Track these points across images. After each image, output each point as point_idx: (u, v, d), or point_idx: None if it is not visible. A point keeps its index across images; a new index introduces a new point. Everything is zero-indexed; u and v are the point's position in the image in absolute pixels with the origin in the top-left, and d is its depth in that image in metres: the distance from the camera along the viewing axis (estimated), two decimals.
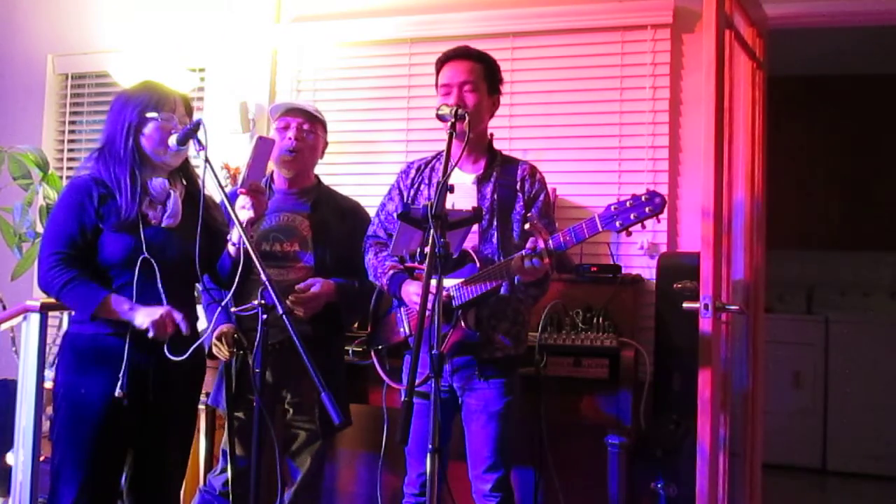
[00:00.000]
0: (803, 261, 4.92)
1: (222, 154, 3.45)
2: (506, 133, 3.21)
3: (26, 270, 3.36)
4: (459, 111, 2.08)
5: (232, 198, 2.25)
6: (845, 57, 4.41)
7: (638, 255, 3.10)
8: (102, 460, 2.08)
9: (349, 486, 3.11)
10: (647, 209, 1.88)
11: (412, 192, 2.32)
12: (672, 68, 3.13)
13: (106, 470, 2.10)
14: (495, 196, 2.23)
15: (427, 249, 1.72)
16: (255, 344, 1.91)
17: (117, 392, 2.02)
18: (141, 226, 2.08)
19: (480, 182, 2.25)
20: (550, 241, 1.96)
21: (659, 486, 2.62)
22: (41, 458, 2.57)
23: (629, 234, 1.91)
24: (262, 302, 1.89)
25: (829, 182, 4.81)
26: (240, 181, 2.17)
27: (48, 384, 2.47)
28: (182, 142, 2.07)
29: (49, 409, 2.33)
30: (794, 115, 4.52)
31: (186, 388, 2.27)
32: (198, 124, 2.03)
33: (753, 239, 2.73)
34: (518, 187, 2.25)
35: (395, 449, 2.21)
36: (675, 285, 2.67)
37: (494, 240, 2.19)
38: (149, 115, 2.12)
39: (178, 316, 2.04)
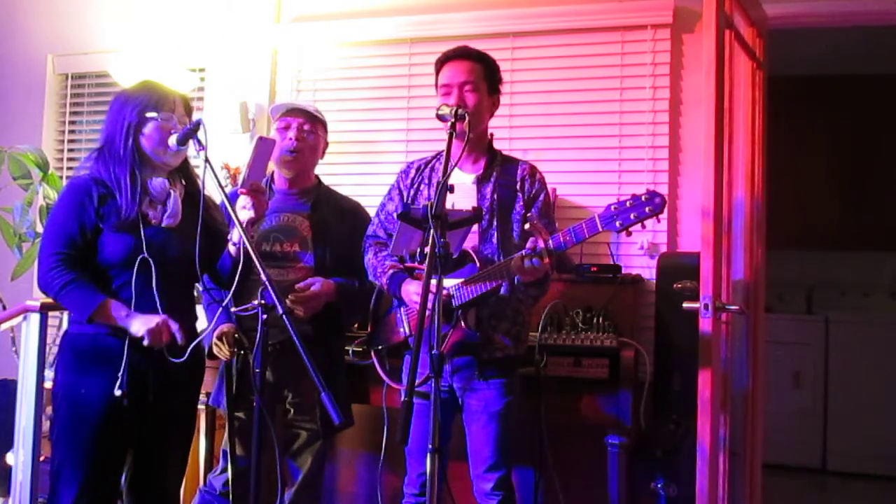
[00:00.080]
0: (803, 261, 4.92)
1: (222, 154, 3.45)
2: (506, 133, 3.21)
3: (26, 270, 3.36)
4: (459, 111, 2.08)
5: (232, 198, 2.25)
6: (845, 57, 4.41)
7: (638, 255, 3.10)
8: (102, 460, 2.08)
9: (349, 486, 3.11)
10: (647, 209, 1.88)
11: (412, 192, 2.32)
12: (672, 68, 3.13)
13: (106, 470, 2.10)
14: (495, 196, 2.23)
15: (427, 249, 1.72)
16: (256, 344, 1.91)
17: (117, 392, 2.02)
18: (141, 225, 2.08)
19: (480, 182, 2.25)
20: (550, 241, 1.96)
21: (659, 486, 2.62)
22: (41, 458, 2.57)
23: (629, 234, 1.91)
24: (262, 302, 1.89)
25: (829, 182, 4.81)
26: (240, 181, 2.17)
27: (48, 384, 2.47)
28: (182, 142, 2.08)
29: (49, 410, 2.33)
30: (794, 115, 4.51)
31: (186, 388, 2.27)
32: (198, 124, 2.03)
33: (753, 239, 2.73)
34: (518, 187, 2.25)
35: (395, 449, 2.21)
36: (675, 285, 2.67)
37: (494, 240, 2.19)
38: (148, 114, 2.12)
39: (174, 325, 2.04)
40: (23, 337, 2.64)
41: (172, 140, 2.08)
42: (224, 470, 2.46)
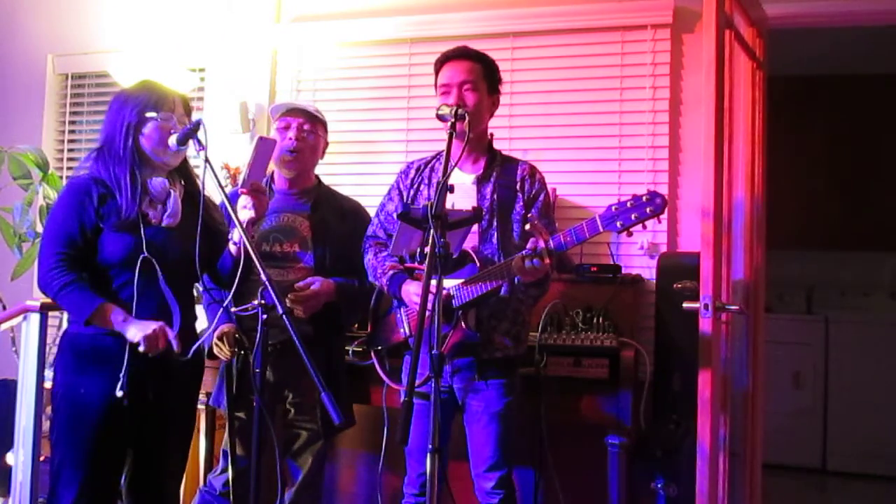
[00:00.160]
0: (803, 261, 4.92)
1: (222, 154, 3.45)
2: (506, 133, 3.21)
3: (26, 270, 3.36)
4: (459, 111, 2.08)
5: (232, 198, 2.25)
6: (845, 57, 4.41)
7: (638, 255, 3.10)
8: (102, 460, 2.07)
9: (349, 486, 3.11)
10: (647, 209, 1.88)
11: (412, 193, 2.32)
12: (672, 68, 3.13)
13: (106, 470, 2.10)
14: (495, 196, 2.23)
15: (427, 249, 1.72)
16: (256, 344, 1.91)
17: (118, 392, 2.02)
18: (141, 225, 2.08)
19: (480, 182, 2.25)
20: (551, 242, 1.96)
21: (659, 486, 2.62)
22: (41, 458, 2.57)
23: (630, 234, 1.91)
24: (262, 302, 1.89)
25: (829, 182, 4.81)
26: (240, 181, 2.17)
27: (48, 384, 2.47)
28: (182, 142, 2.08)
29: (49, 410, 2.33)
30: (794, 115, 4.51)
31: (186, 388, 2.27)
32: (198, 124, 2.03)
33: (753, 239, 2.73)
34: (518, 187, 2.25)
35: (395, 449, 2.21)
36: (675, 285, 2.67)
37: (494, 240, 2.19)
38: (148, 114, 2.12)
39: (171, 333, 2.03)
40: (23, 337, 2.64)
41: (172, 140, 2.08)
42: (224, 470, 2.46)
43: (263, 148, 2.11)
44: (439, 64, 2.27)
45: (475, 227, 2.13)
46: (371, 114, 3.50)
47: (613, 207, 1.91)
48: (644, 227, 1.91)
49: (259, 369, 1.93)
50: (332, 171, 3.32)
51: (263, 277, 1.82)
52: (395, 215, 2.21)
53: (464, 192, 2.19)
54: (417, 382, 1.67)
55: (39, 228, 3.28)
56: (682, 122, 3.14)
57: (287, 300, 2.31)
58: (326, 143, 2.67)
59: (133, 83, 2.28)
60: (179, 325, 2.09)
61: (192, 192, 2.24)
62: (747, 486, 2.71)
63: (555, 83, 3.26)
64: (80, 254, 2.07)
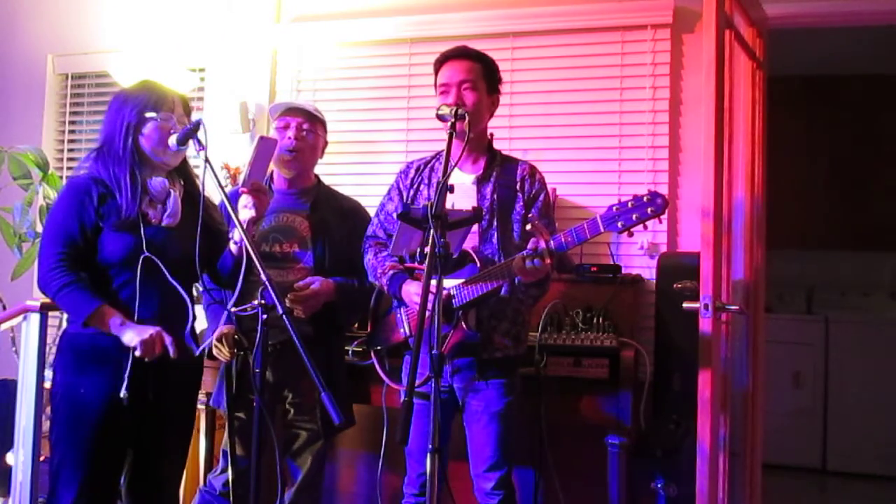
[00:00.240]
0: (803, 261, 4.92)
1: (222, 154, 3.45)
2: (506, 133, 3.21)
3: (26, 270, 3.36)
4: (459, 111, 2.08)
5: (232, 197, 2.25)
6: (845, 57, 4.41)
7: (638, 255, 3.10)
8: (102, 460, 2.07)
9: (349, 486, 3.11)
10: (648, 210, 1.87)
11: (412, 193, 2.32)
12: (672, 68, 3.13)
13: (105, 470, 2.10)
14: (495, 196, 2.23)
15: (427, 249, 1.72)
16: (255, 344, 1.91)
17: (122, 393, 2.02)
18: (141, 225, 2.08)
19: (480, 182, 2.25)
20: (552, 242, 1.95)
21: (659, 486, 2.62)
22: (41, 458, 2.57)
23: (631, 234, 1.91)
24: (262, 302, 1.89)
25: (829, 182, 4.81)
26: (241, 180, 2.17)
27: (48, 384, 2.47)
28: (182, 142, 2.08)
29: (49, 410, 2.33)
30: (794, 115, 4.52)
31: (185, 388, 2.27)
32: (198, 124, 2.03)
33: (753, 239, 2.73)
34: (518, 187, 2.24)
35: (395, 449, 2.21)
36: (675, 285, 2.67)
37: (494, 240, 2.19)
38: (147, 114, 2.12)
39: (168, 338, 2.03)
40: (23, 337, 2.64)
41: (172, 140, 2.08)
42: (224, 470, 2.46)
43: (264, 147, 2.11)
44: (439, 64, 2.27)
45: (475, 227, 2.13)
46: (371, 114, 3.50)
47: (614, 207, 1.91)
48: (645, 227, 1.91)
49: (259, 369, 1.93)
50: (332, 171, 3.32)
51: (263, 277, 1.82)
52: (395, 215, 2.21)
53: (464, 192, 2.19)
54: (417, 382, 1.67)
55: (39, 228, 3.28)
56: (682, 122, 3.14)
57: (286, 300, 2.31)
58: (326, 143, 2.66)
59: (133, 83, 2.28)
60: (191, 321, 2.10)
61: (192, 192, 2.24)
62: (747, 486, 2.71)
63: (555, 83, 3.26)
64: (80, 253, 2.07)
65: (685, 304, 2.24)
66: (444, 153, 2.01)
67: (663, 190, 2.97)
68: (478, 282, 2.07)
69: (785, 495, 3.98)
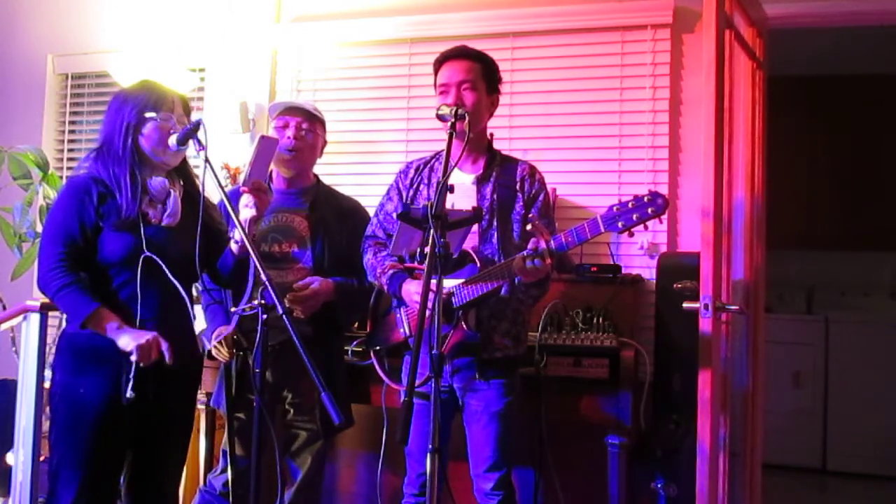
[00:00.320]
0: (803, 261, 4.92)
1: (222, 154, 3.45)
2: (506, 133, 3.21)
3: (26, 270, 3.36)
4: (459, 111, 2.07)
5: (232, 196, 2.25)
6: (845, 57, 4.41)
7: (638, 255, 3.11)
8: (101, 460, 2.07)
9: (349, 486, 3.11)
10: (649, 210, 1.87)
11: (411, 193, 2.32)
12: (672, 68, 3.13)
13: (105, 470, 2.09)
14: (495, 196, 2.23)
15: (427, 249, 1.72)
16: (256, 344, 1.91)
17: (129, 394, 2.01)
18: (141, 225, 2.08)
19: (480, 182, 2.25)
20: (552, 242, 1.95)
21: (659, 486, 2.62)
22: (41, 458, 2.57)
23: (631, 234, 1.91)
24: (262, 302, 1.89)
25: (829, 182, 4.81)
26: (241, 180, 2.17)
27: (48, 384, 2.47)
28: (182, 142, 2.07)
29: (49, 410, 2.33)
30: (794, 115, 4.51)
31: (184, 388, 2.26)
32: (198, 124, 2.03)
33: (753, 239, 2.73)
34: (518, 187, 2.24)
35: (395, 449, 2.21)
36: (675, 285, 2.67)
37: (494, 240, 2.19)
38: (147, 114, 2.12)
39: (164, 344, 2.03)
40: (23, 337, 2.64)
41: (172, 140, 2.08)
42: (224, 470, 2.46)
43: (265, 146, 2.12)
44: (438, 63, 2.27)
45: (475, 227, 2.13)
46: (371, 114, 3.50)
47: (615, 208, 1.91)
48: (645, 227, 1.91)
49: (259, 369, 1.93)
50: (332, 171, 3.32)
51: (263, 277, 1.82)
52: (394, 215, 2.21)
53: (463, 192, 2.19)
54: (417, 382, 1.67)
55: (39, 228, 3.28)
56: (682, 122, 3.14)
57: (285, 300, 2.31)
58: (325, 142, 2.66)
59: (132, 83, 2.28)
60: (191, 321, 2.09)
61: (192, 192, 2.24)
62: (747, 486, 2.71)
63: (555, 83, 3.26)
64: (80, 253, 2.06)
65: (685, 304, 2.25)
66: (444, 153, 2.01)
67: (663, 190, 2.97)
68: (478, 282, 2.07)
69: (785, 495, 3.98)
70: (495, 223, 2.20)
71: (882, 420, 4.27)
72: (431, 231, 1.72)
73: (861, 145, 4.75)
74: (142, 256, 2.05)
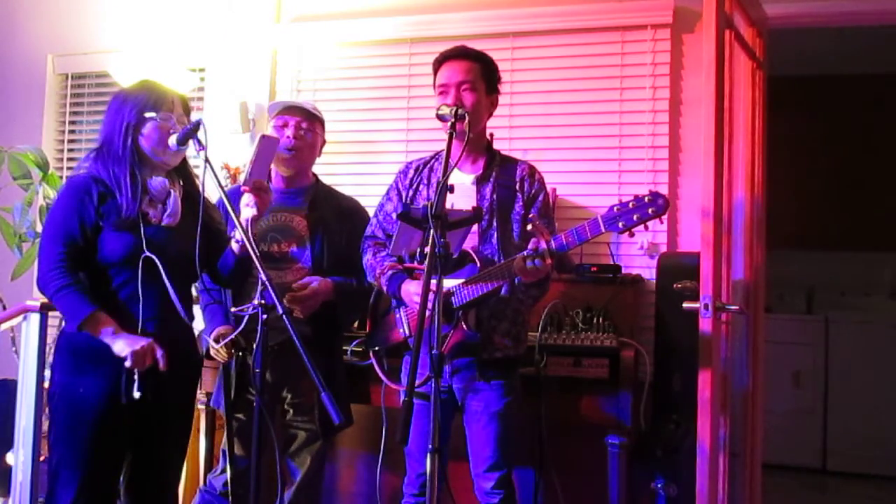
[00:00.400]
0: (803, 261, 4.92)
1: (222, 154, 3.45)
2: (506, 133, 3.21)
3: (26, 270, 3.36)
4: (459, 111, 2.07)
5: (232, 195, 2.25)
6: (845, 57, 4.41)
7: (638, 255, 3.11)
8: (101, 461, 2.07)
9: (349, 486, 3.11)
10: (650, 210, 1.87)
11: (411, 193, 2.32)
12: (672, 68, 3.13)
13: (104, 470, 2.09)
14: (495, 196, 2.22)
15: (427, 249, 1.72)
16: (256, 344, 1.91)
17: (136, 394, 2.01)
18: (141, 224, 2.08)
19: (479, 182, 2.25)
20: (552, 242, 1.95)
21: (659, 486, 2.62)
22: (41, 458, 2.57)
23: (632, 234, 1.91)
24: (262, 302, 1.89)
25: (829, 182, 4.81)
26: (242, 179, 2.17)
27: (47, 384, 2.47)
28: (182, 142, 2.07)
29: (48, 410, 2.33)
30: (793, 116, 4.51)
31: (183, 388, 2.26)
32: (198, 124, 2.03)
33: (753, 239, 2.73)
34: (517, 187, 2.24)
35: (396, 449, 2.21)
36: (675, 285, 2.67)
37: (494, 240, 2.19)
38: (147, 114, 2.12)
39: (159, 351, 2.03)
40: (23, 337, 2.64)
41: (173, 140, 2.08)
42: (224, 470, 2.46)
43: (266, 146, 2.12)
44: (437, 64, 2.26)
45: (475, 227, 2.13)
46: (371, 114, 3.50)
47: (615, 208, 1.91)
48: (645, 227, 1.91)
49: (259, 369, 1.93)
50: (332, 171, 3.32)
51: (263, 277, 1.82)
52: (394, 215, 2.21)
53: (463, 192, 2.19)
54: (417, 382, 1.67)
55: (39, 228, 3.28)
56: (682, 122, 3.14)
57: (284, 300, 2.30)
58: (324, 141, 2.66)
59: (132, 83, 2.28)
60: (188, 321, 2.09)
61: (191, 192, 2.24)
62: (747, 486, 2.71)
63: (555, 83, 3.26)
64: (80, 252, 2.06)
65: (685, 304, 2.24)
66: (444, 153, 2.01)
67: (663, 190, 2.97)
68: (478, 282, 2.07)
69: (785, 495, 3.98)
70: (495, 223, 2.20)
71: (882, 420, 4.27)
72: (431, 231, 1.72)
73: (861, 145, 4.76)
74: (142, 256, 2.05)
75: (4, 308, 3.21)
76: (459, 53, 2.24)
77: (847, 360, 4.41)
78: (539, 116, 3.26)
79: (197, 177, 2.26)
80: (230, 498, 2.39)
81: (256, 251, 1.92)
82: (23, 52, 4.06)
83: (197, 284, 2.47)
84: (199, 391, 2.65)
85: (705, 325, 2.17)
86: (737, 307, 2.32)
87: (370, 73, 3.52)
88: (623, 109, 3.17)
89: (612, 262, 3.02)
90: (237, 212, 2.08)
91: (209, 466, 2.89)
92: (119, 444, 2.11)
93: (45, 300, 2.40)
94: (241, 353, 2.40)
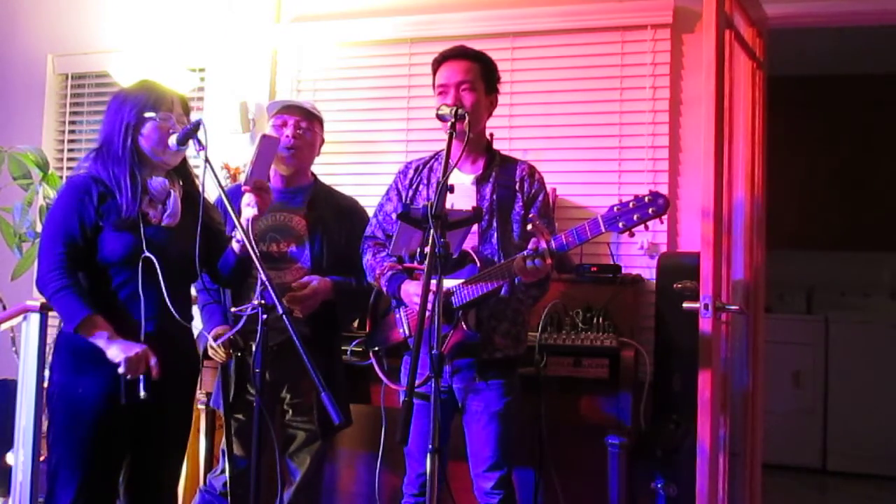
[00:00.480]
0: (803, 261, 4.92)
1: (222, 154, 3.45)
2: (506, 133, 3.21)
3: (26, 270, 3.36)
4: (459, 111, 2.07)
5: (232, 194, 2.25)
6: (845, 57, 4.41)
7: (638, 255, 3.11)
8: (100, 461, 2.07)
9: (349, 486, 3.11)
10: (650, 210, 1.87)
11: (410, 193, 2.32)
12: (672, 68, 3.13)
13: (103, 470, 2.09)
14: (494, 196, 2.22)
15: (427, 249, 1.72)
16: (256, 344, 1.91)
17: (142, 394, 2.01)
18: (141, 225, 2.08)
19: (479, 182, 2.25)
20: (552, 242, 1.95)
21: (659, 486, 2.62)
22: (41, 458, 2.57)
23: (632, 234, 1.91)
24: (262, 302, 1.89)
25: (829, 182, 4.81)
26: (243, 179, 2.16)
27: (46, 384, 2.47)
28: (182, 142, 2.07)
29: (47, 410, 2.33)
30: (793, 115, 4.52)
31: (183, 388, 2.26)
32: (198, 124, 2.03)
33: (753, 239, 2.73)
34: (517, 187, 2.24)
35: (395, 449, 2.21)
36: (675, 285, 2.67)
37: (494, 240, 2.19)
38: (147, 114, 2.11)
39: (153, 359, 2.02)
40: (23, 337, 2.64)
41: (173, 140, 2.08)
42: (224, 470, 2.46)
43: (267, 145, 2.12)
44: (437, 64, 2.26)
45: (475, 228, 2.13)
46: (371, 114, 3.50)
47: (616, 208, 1.91)
48: (645, 227, 1.91)
49: (259, 369, 1.93)
50: (332, 171, 3.32)
51: (263, 277, 1.82)
52: (394, 216, 2.21)
53: (463, 192, 2.19)
54: (417, 382, 1.67)
55: (39, 228, 3.28)
56: (682, 122, 3.14)
57: (284, 300, 2.30)
58: (323, 140, 2.66)
59: (132, 83, 2.28)
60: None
61: (191, 192, 2.23)
62: (747, 486, 2.71)
63: (555, 83, 3.26)
64: (79, 252, 2.06)
65: (685, 304, 2.24)
66: (444, 153, 2.01)
67: (663, 190, 2.96)
68: (478, 282, 2.07)
69: (785, 495, 3.98)
70: (495, 223, 2.20)
71: (882, 420, 4.27)
72: (431, 231, 1.72)
73: (861, 145, 4.76)
74: (142, 257, 2.05)
75: (4, 308, 3.21)
76: (458, 53, 2.24)
77: (847, 360, 4.41)
78: (539, 116, 3.26)
79: (197, 177, 2.26)
80: (230, 498, 2.38)
81: (256, 251, 1.92)
82: (23, 52, 4.06)
83: (195, 284, 2.47)
84: (198, 391, 2.65)
85: (705, 325, 2.17)
86: (737, 307, 2.32)
87: (370, 73, 3.52)
88: (623, 109, 3.17)
89: (612, 262, 3.02)
90: (237, 211, 2.08)
91: (209, 466, 2.89)
92: (118, 444, 2.11)
93: (45, 300, 2.40)
94: (239, 354, 2.40)
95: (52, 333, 2.73)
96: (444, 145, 2.03)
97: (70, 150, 4.04)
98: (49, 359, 2.63)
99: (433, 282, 1.67)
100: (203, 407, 2.82)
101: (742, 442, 2.69)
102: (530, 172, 2.28)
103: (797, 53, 3.93)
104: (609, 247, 3.10)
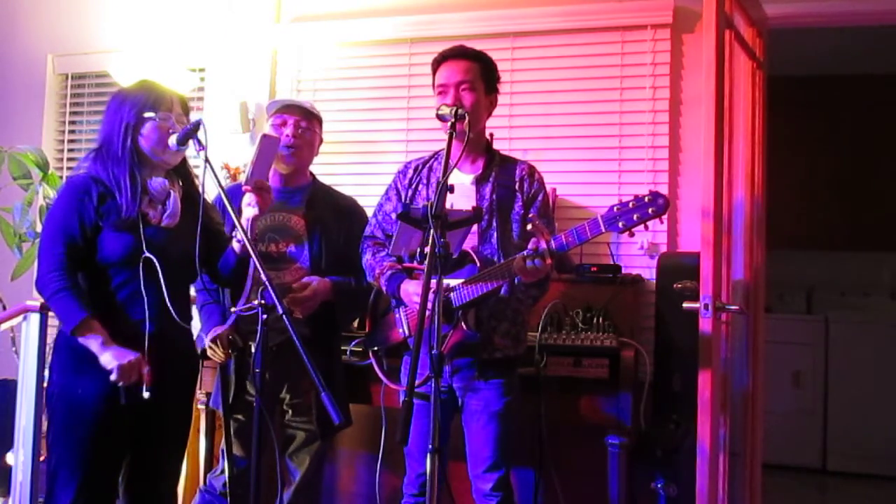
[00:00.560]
0: (803, 261, 4.92)
1: (222, 154, 3.45)
2: (506, 133, 3.21)
3: (26, 270, 3.36)
4: (459, 111, 2.07)
5: (231, 193, 2.25)
6: (845, 57, 4.41)
7: (638, 255, 3.11)
8: (99, 461, 2.07)
9: (349, 486, 3.11)
10: (650, 210, 1.87)
11: (410, 193, 2.32)
12: (672, 68, 3.13)
13: (103, 470, 2.09)
14: (494, 196, 2.22)
15: (427, 249, 1.72)
16: (256, 344, 1.91)
17: (145, 394, 2.00)
18: (141, 225, 2.08)
19: (479, 182, 2.25)
20: (552, 242, 1.95)
21: (659, 486, 2.62)
22: (41, 458, 2.57)
23: (632, 234, 1.91)
24: (262, 302, 1.89)
25: (829, 182, 4.81)
26: (243, 179, 2.16)
27: (47, 384, 2.47)
28: (182, 142, 2.07)
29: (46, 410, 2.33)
30: (794, 116, 4.52)
31: (182, 388, 2.26)
32: (198, 124, 2.03)
33: (753, 239, 2.73)
34: (517, 187, 2.24)
35: (395, 449, 2.21)
36: (675, 285, 2.67)
37: (494, 240, 2.19)
38: (146, 114, 2.11)
39: (145, 368, 2.02)
40: (23, 337, 2.65)
41: (173, 140, 2.08)
42: (224, 470, 2.46)
43: (267, 145, 2.12)
44: (436, 63, 2.26)
45: (475, 228, 2.13)
46: (371, 114, 3.50)
47: (616, 208, 1.91)
48: (645, 227, 1.91)
49: (259, 369, 1.93)
50: (332, 171, 3.32)
51: (263, 277, 1.82)
52: (394, 215, 2.21)
53: (463, 192, 2.18)
54: (417, 382, 1.67)
55: (39, 228, 3.28)
56: (682, 122, 3.14)
57: (285, 301, 2.30)
58: (322, 140, 2.66)
59: (132, 83, 2.28)
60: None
61: (191, 192, 2.23)
62: (747, 486, 2.71)
63: (555, 83, 3.26)
64: (79, 253, 2.06)
65: (685, 304, 2.25)
66: (444, 153, 2.01)
67: (663, 190, 2.96)
68: (478, 282, 2.07)
69: (785, 495, 3.98)
70: (495, 223, 2.20)
71: (882, 420, 4.27)
72: (431, 231, 1.72)
73: (860, 146, 4.75)
74: (142, 257, 2.05)
75: (4, 308, 3.21)
76: (458, 53, 2.24)
77: (847, 360, 4.41)
78: (539, 116, 3.26)
79: (197, 177, 2.26)
80: (229, 498, 2.38)
81: (256, 251, 1.92)
82: (23, 52, 4.06)
83: (195, 283, 2.47)
84: (198, 391, 2.65)
85: (705, 325, 2.17)
86: (737, 307, 2.32)
87: (370, 73, 3.52)
88: (623, 109, 3.17)
89: (612, 262, 3.02)
90: (237, 211, 2.08)
91: (209, 466, 2.89)
92: (118, 444, 2.11)
93: (44, 300, 2.40)
94: (237, 354, 2.40)
95: (51, 333, 2.73)
96: (443, 145, 2.03)
97: (70, 150, 4.04)
98: (49, 359, 2.63)
99: (433, 282, 1.67)
100: (203, 407, 2.82)
101: (742, 442, 2.69)
102: (530, 172, 2.27)
103: (797, 53, 3.93)
104: (609, 247, 3.10)
